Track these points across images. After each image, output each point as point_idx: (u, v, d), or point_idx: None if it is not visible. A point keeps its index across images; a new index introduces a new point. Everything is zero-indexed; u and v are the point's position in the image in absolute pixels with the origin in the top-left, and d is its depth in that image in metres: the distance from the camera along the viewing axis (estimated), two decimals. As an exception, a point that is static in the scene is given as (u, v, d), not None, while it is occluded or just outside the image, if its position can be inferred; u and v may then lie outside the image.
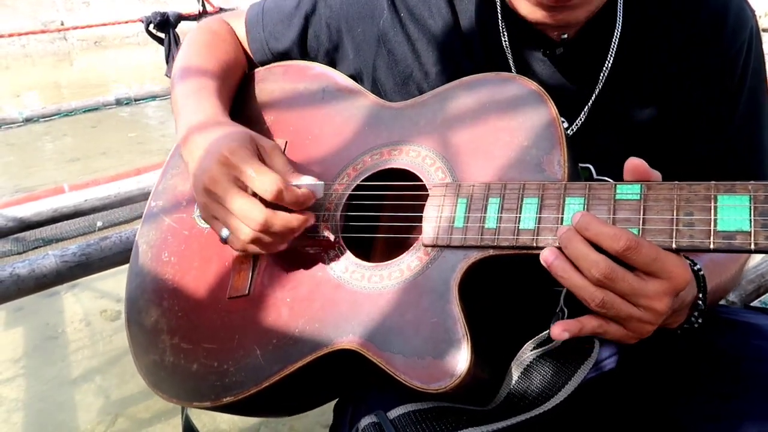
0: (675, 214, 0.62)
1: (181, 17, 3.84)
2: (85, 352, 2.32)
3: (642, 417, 0.81)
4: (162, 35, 3.85)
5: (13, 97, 7.93)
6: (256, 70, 1.03)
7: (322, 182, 0.81)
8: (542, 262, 0.64)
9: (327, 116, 0.93)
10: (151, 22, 3.73)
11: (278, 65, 1.01)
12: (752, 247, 0.58)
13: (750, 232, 0.58)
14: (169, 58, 3.82)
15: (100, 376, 2.17)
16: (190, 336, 0.86)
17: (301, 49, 0.99)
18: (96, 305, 2.63)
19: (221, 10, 4.29)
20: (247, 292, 0.84)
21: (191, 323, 0.87)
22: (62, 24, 11.03)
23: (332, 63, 0.98)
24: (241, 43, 1.05)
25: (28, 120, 3.83)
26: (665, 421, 0.78)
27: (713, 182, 0.62)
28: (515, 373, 0.72)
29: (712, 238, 0.59)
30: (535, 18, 0.82)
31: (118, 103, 4.16)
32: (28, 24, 10.53)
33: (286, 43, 0.99)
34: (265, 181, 0.75)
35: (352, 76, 0.96)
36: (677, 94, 0.84)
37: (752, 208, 0.59)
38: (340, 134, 0.90)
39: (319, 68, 0.97)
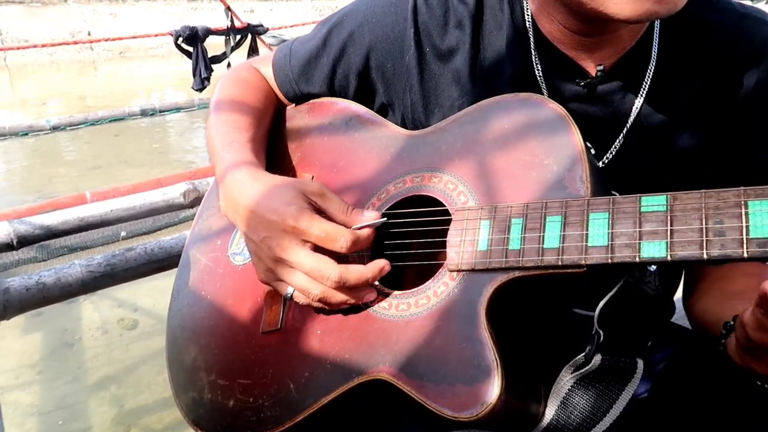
0: (704, 224, 0.59)
1: (209, 31, 3.90)
2: (101, 360, 2.33)
3: None
4: (190, 49, 3.92)
5: (40, 104, 8.06)
6: (287, 109, 1.05)
7: (384, 218, 0.81)
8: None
9: (350, 149, 0.93)
10: (180, 36, 3.79)
11: (305, 104, 1.03)
12: None
13: None
14: (197, 71, 3.88)
15: (116, 385, 2.17)
16: (226, 372, 0.86)
17: (330, 88, 1.00)
18: (113, 314, 2.65)
19: (249, 25, 4.35)
20: (279, 326, 0.84)
21: (227, 360, 0.87)
22: (89, 34, 11.23)
23: (362, 98, 0.98)
24: (272, 86, 1.06)
25: (55, 128, 3.89)
26: None
27: (743, 188, 0.59)
28: (555, 400, 0.71)
29: (745, 246, 0.57)
30: (572, 49, 0.82)
31: (143, 113, 4.22)
32: (56, 32, 10.73)
33: (315, 84, 1.00)
34: (338, 239, 0.76)
35: (383, 107, 0.97)
36: (714, 122, 0.83)
37: None
38: (363, 165, 0.90)
39: (342, 103, 0.98)
